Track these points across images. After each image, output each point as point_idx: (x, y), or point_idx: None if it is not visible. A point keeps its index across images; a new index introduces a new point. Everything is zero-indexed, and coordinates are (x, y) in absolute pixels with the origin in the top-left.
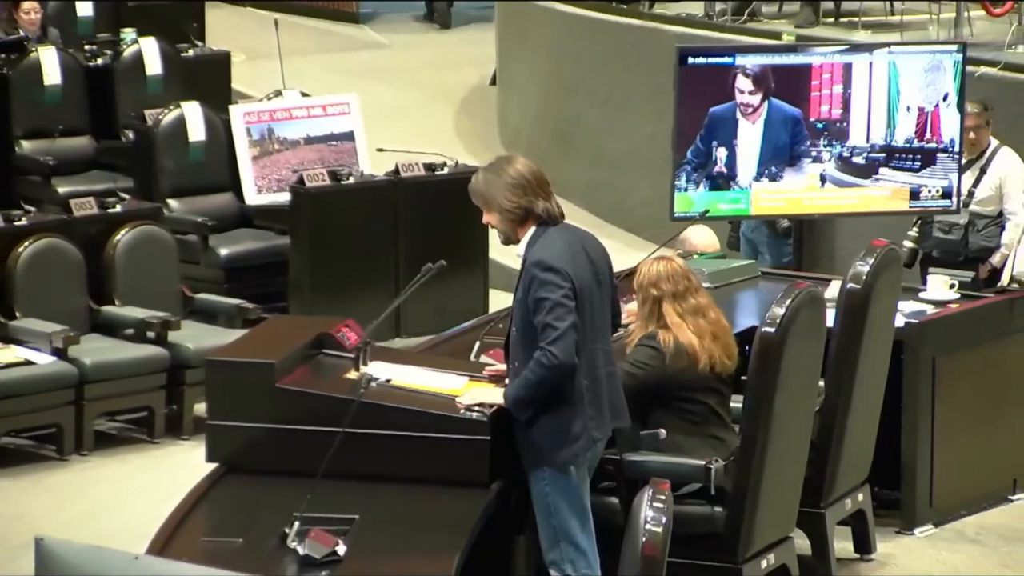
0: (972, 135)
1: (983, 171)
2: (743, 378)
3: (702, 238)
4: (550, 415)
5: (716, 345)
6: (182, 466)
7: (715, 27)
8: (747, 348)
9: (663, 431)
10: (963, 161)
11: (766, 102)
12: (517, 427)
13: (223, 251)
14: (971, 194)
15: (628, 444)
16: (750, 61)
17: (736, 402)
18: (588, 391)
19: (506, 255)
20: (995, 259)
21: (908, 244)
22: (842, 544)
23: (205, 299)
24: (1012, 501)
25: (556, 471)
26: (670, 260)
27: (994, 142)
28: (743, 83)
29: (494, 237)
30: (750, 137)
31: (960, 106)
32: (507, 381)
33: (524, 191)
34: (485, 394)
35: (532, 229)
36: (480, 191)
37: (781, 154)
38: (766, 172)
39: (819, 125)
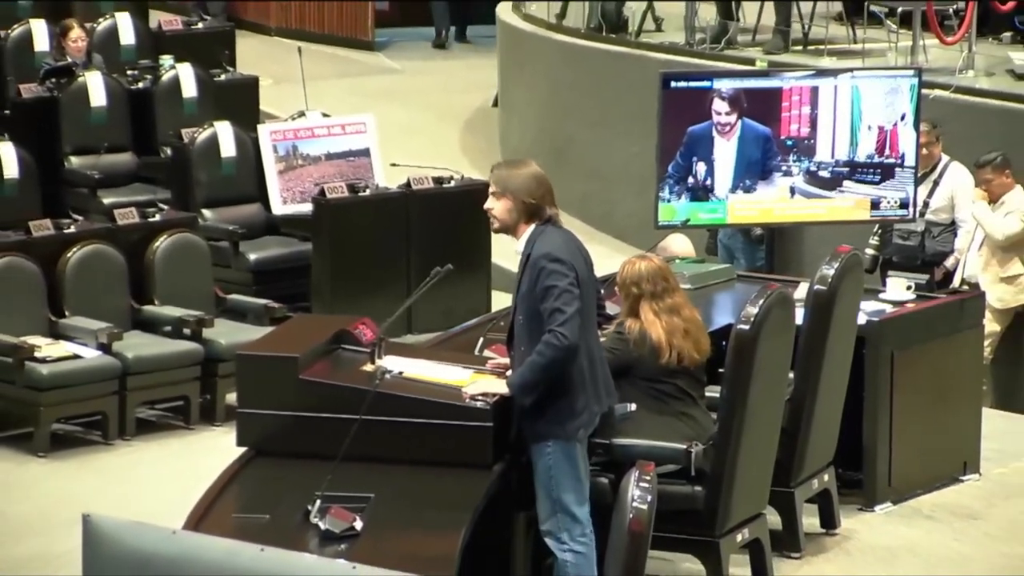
0: (924, 151)
1: (936, 184)
2: (720, 370)
3: (680, 245)
4: (557, 393)
5: (687, 341)
6: (215, 450)
7: (695, 54)
8: (724, 343)
9: (633, 405)
10: (918, 175)
11: (739, 121)
12: (528, 407)
13: (252, 256)
14: (926, 204)
15: (612, 428)
16: (726, 85)
17: (714, 391)
18: (587, 371)
19: (507, 259)
20: (949, 263)
21: (870, 251)
22: (810, 520)
23: (236, 299)
24: (963, 481)
25: (561, 444)
26: (651, 259)
27: (945, 157)
28: (719, 105)
29: (496, 243)
30: (726, 153)
31: (916, 125)
32: (509, 373)
33: (542, 190)
34: (489, 385)
35: (531, 228)
36: (503, 178)
37: (754, 168)
38: (741, 185)
39: (789, 142)
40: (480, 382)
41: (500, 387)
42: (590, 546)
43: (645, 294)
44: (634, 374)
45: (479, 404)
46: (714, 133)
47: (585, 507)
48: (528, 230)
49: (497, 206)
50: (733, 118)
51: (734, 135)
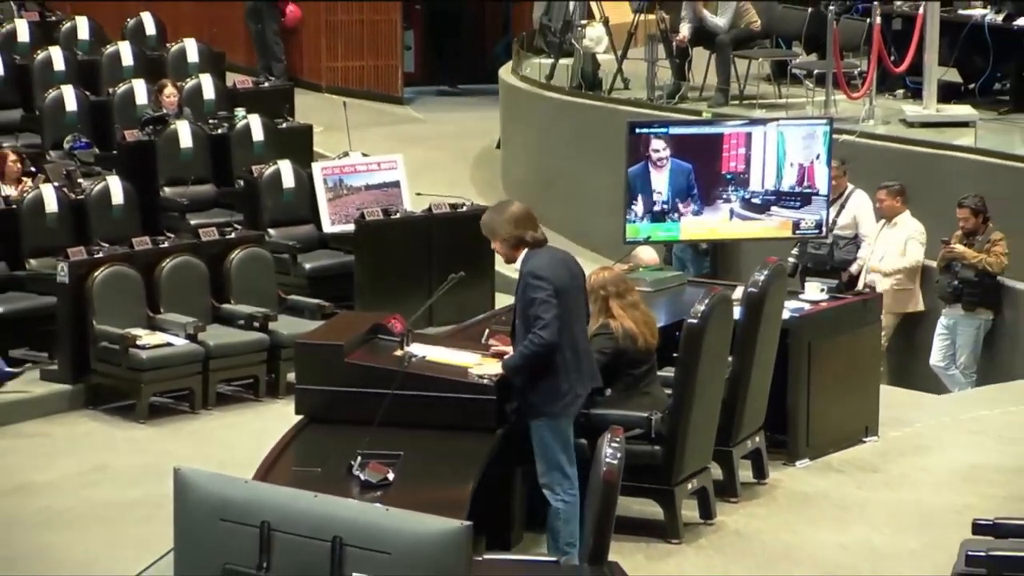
0: (835, 181)
1: (843, 206)
2: (675, 355)
3: (648, 255)
4: (546, 380)
5: (646, 329)
6: (278, 417)
7: (654, 106)
8: (677, 334)
9: (608, 390)
10: (830, 199)
11: (669, 160)
12: (523, 390)
13: (307, 265)
14: (835, 223)
15: (590, 402)
16: (677, 130)
17: (668, 372)
18: (571, 360)
19: (507, 268)
20: (853, 268)
21: (791, 260)
22: (744, 472)
23: (294, 299)
24: (865, 442)
25: (550, 421)
26: (611, 269)
27: (851, 186)
28: (657, 144)
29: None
30: (661, 184)
31: (828, 163)
32: (506, 357)
33: (518, 224)
34: (491, 367)
35: (525, 251)
36: (488, 225)
37: (682, 195)
38: (678, 208)
39: (728, 176)
40: (484, 364)
41: (497, 368)
42: (576, 496)
43: (611, 295)
44: (621, 365)
45: (484, 381)
46: (649, 169)
47: (574, 467)
48: (522, 254)
49: (496, 246)
50: (667, 152)
51: (665, 169)
